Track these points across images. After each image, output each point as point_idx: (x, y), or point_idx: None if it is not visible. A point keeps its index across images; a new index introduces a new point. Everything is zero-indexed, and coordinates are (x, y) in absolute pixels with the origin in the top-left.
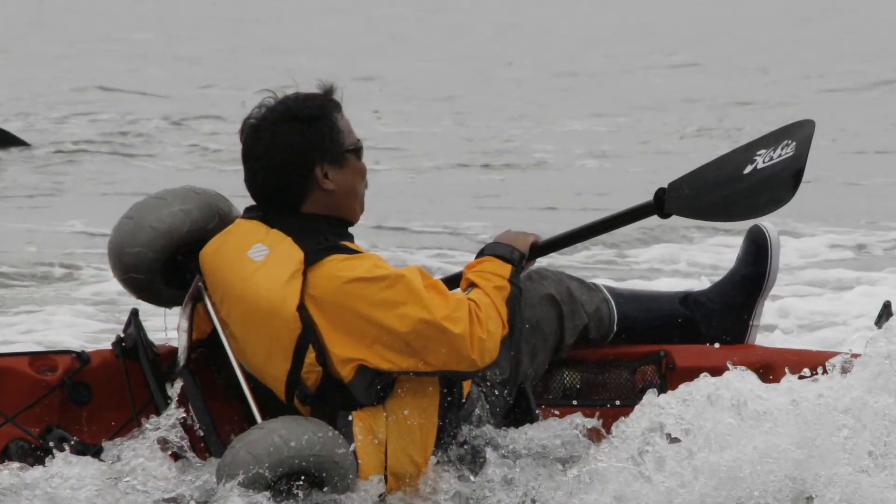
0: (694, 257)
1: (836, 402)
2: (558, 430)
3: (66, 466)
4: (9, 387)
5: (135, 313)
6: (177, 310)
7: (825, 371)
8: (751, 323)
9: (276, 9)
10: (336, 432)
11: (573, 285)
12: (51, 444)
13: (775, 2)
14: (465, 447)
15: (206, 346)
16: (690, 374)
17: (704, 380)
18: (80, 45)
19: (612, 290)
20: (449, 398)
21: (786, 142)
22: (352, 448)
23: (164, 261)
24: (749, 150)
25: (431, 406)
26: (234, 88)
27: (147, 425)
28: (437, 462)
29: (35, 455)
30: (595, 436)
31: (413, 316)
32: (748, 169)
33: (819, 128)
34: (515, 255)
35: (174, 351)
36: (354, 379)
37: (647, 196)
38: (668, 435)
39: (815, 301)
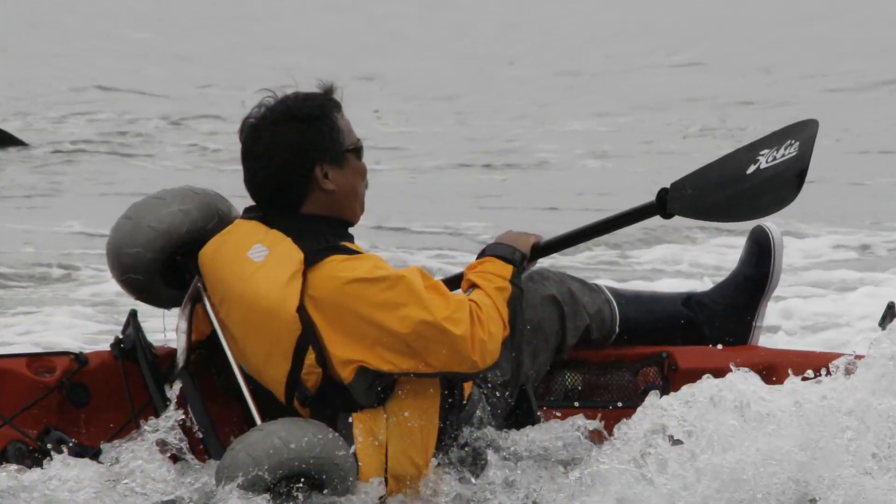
0: (697, 258)
1: (840, 404)
2: (560, 431)
3: (64, 468)
4: (6, 388)
5: (133, 314)
6: (176, 311)
7: (829, 373)
8: (754, 324)
9: (275, 7)
10: (336, 434)
11: (575, 286)
12: (49, 445)
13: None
14: (466, 449)
15: (205, 348)
16: (693, 376)
17: (707, 381)
18: (79, 45)
19: (614, 291)
20: (450, 400)
21: (789, 141)
22: (352, 450)
23: (163, 261)
24: (752, 150)
25: (432, 408)
26: (234, 88)
27: (146, 427)
28: (438, 464)
29: (33, 457)
30: (597, 438)
31: (414, 317)
32: (751, 169)
33: (823, 127)
34: (517, 255)
35: (173, 352)
36: (354, 380)
37: (649, 196)
38: (671, 437)
39: (818, 302)
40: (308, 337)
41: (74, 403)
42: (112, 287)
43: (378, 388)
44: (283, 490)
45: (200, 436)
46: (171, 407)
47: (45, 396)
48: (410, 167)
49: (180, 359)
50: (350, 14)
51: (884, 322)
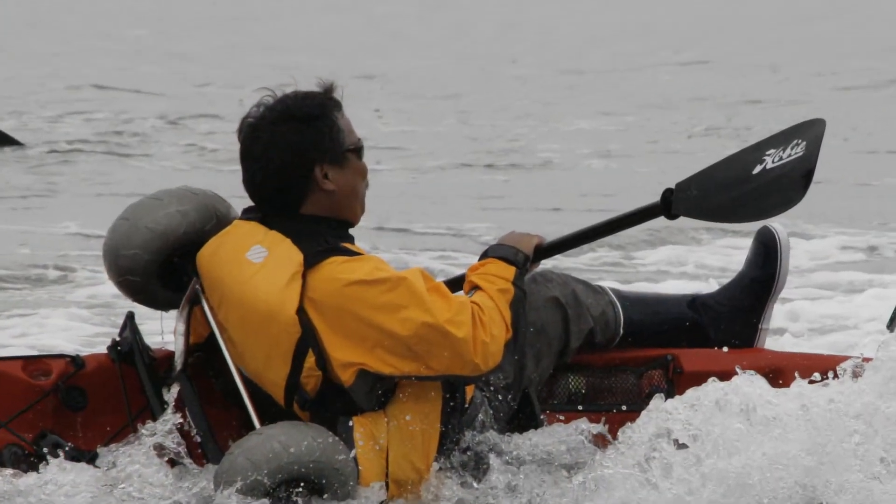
0: (702, 259)
1: (847, 408)
2: (563, 435)
3: (60, 473)
4: (2, 391)
5: (130, 316)
6: (173, 313)
7: (836, 375)
8: (760, 326)
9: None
10: (336, 438)
11: (579, 288)
12: (45, 450)
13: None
14: (468, 453)
15: (203, 351)
16: (698, 379)
17: (713, 384)
18: (75, 43)
19: (618, 293)
20: (452, 403)
21: (796, 141)
22: (352, 454)
23: (161, 263)
24: (758, 150)
25: (434, 411)
26: (232, 87)
27: (143, 431)
28: (440, 468)
29: (29, 461)
30: (601, 442)
31: (415, 319)
32: (757, 169)
33: (830, 127)
34: (520, 257)
35: (171, 355)
36: (355, 384)
37: (654, 197)
38: (676, 441)
39: (825, 304)
40: (308, 339)
41: (71, 407)
42: (109, 289)
43: (379, 392)
44: (283, 495)
45: (199, 440)
46: (169, 410)
47: (40, 400)
48: (412, 167)
49: (178, 362)
50: (350, 13)
51: (892, 324)
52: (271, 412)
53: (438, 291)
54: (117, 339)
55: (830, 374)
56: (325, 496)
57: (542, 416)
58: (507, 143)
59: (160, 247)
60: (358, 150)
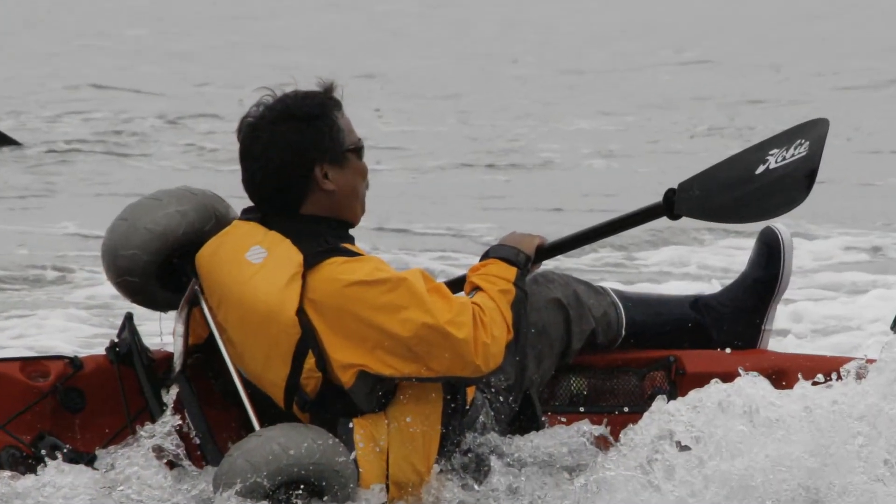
0: (704, 260)
1: (851, 409)
2: (565, 437)
3: (58, 475)
4: (0, 393)
5: (129, 317)
6: (172, 314)
7: (839, 377)
8: (763, 327)
9: (274, 5)
10: (336, 440)
11: (580, 289)
12: (43, 452)
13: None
14: (469, 455)
15: (202, 352)
16: (701, 380)
17: (715, 386)
18: (73, 42)
19: (620, 294)
20: (452, 405)
21: (799, 141)
22: (352, 456)
23: (160, 263)
24: (761, 150)
25: (434, 413)
26: (232, 86)
27: (142, 433)
28: (441, 470)
29: (27, 463)
30: (603, 443)
31: (415, 320)
32: (760, 169)
33: (833, 126)
34: (521, 257)
35: (170, 356)
36: (355, 385)
37: (656, 197)
38: (678, 443)
39: (829, 305)
40: (307, 340)
41: (69, 408)
42: (107, 290)
43: (379, 393)
44: (282, 497)
45: (198, 441)
46: (168, 412)
47: (39, 401)
48: (412, 167)
49: (177, 363)
50: (350, 12)
51: (895, 325)
52: (271, 413)
53: (439, 292)
54: (116, 340)
55: (834, 376)
56: (325, 498)
57: (543, 418)
58: (508, 143)
59: (159, 247)
60: (358, 150)
